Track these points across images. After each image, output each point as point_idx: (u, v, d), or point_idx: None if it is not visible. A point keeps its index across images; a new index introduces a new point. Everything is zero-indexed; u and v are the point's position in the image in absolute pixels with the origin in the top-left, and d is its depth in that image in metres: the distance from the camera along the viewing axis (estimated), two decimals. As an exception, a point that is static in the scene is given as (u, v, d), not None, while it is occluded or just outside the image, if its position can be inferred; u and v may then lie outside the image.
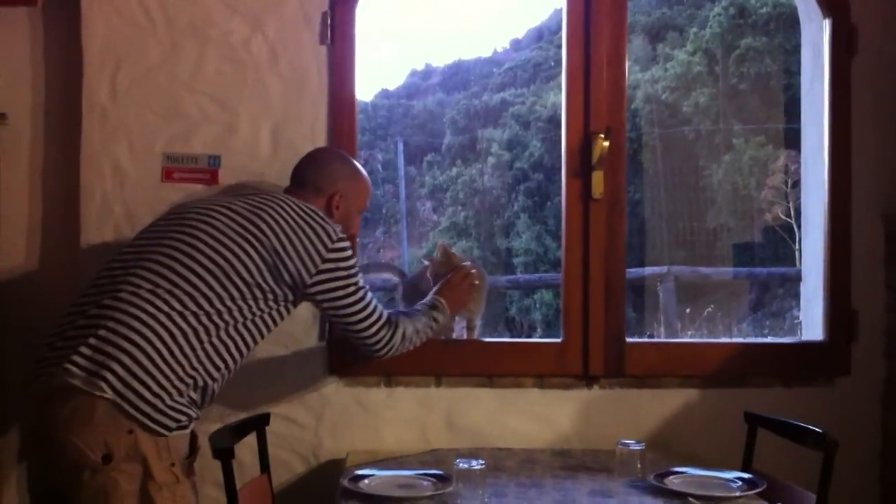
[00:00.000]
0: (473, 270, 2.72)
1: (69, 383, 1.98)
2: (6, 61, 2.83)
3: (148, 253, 2.18)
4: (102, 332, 2.02)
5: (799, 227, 8.41)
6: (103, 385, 1.96)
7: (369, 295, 2.39)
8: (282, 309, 2.29)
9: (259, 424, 2.62)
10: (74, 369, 1.98)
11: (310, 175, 2.48)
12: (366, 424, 2.86)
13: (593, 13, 2.91)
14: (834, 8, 2.97)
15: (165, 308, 2.08)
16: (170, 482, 2.04)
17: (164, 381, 2.03)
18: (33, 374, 2.10)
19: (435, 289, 2.65)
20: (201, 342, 2.11)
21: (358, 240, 2.82)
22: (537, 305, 10.78)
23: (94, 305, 2.10)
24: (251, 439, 2.59)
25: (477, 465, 2.16)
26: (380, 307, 2.41)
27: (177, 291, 2.10)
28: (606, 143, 2.84)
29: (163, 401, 2.02)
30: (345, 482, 2.25)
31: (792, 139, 10.23)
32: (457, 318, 2.85)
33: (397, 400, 2.87)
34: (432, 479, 2.27)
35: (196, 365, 2.10)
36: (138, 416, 1.99)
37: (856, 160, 2.96)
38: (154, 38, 2.79)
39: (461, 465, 2.16)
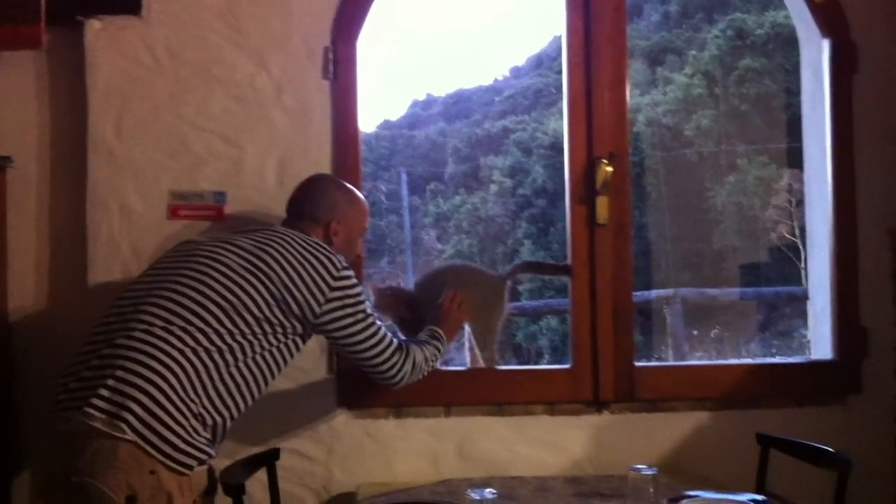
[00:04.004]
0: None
1: (90, 426, 1.96)
2: (12, 104, 2.85)
3: (157, 290, 2.18)
4: (120, 373, 2.01)
5: (804, 245, 8.40)
6: (124, 426, 1.95)
7: (378, 322, 2.39)
8: (290, 343, 2.29)
9: (269, 459, 2.62)
10: (94, 412, 1.97)
11: (305, 206, 2.50)
12: (376, 456, 2.85)
13: (593, 38, 2.93)
14: (833, 28, 2.99)
15: (179, 345, 2.07)
16: None
17: (181, 420, 2.02)
18: (52, 417, 2.09)
19: (430, 318, 2.65)
20: (212, 379, 2.11)
21: (364, 270, 2.83)
22: (543, 332, 10.76)
23: (108, 345, 2.09)
24: (262, 474, 2.58)
25: (489, 494, 2.14)
26: (389, 334, 2.41)
27: (190, 328, 2.10)
28: (610, 168, 2.85)
29: (182, 439, 2.01)
30: (358, 515, 2.24)
31: (794, 158, 10.25)
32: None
33: (407, 431, 2.86)
34: (445, 509, 2.26)
35: (206, 403, 2.09)
36: (159, 456, 1.98)
37: (859, 177, 2.97)
38: (159, 77, 2.81)
39: (473, 495, 2.14)
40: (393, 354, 2.40)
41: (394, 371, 2.41)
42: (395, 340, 2.43)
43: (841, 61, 2.98)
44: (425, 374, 2.51)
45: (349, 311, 2.31)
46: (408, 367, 2.43)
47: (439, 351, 2.56)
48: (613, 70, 2.94)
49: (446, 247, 12.51)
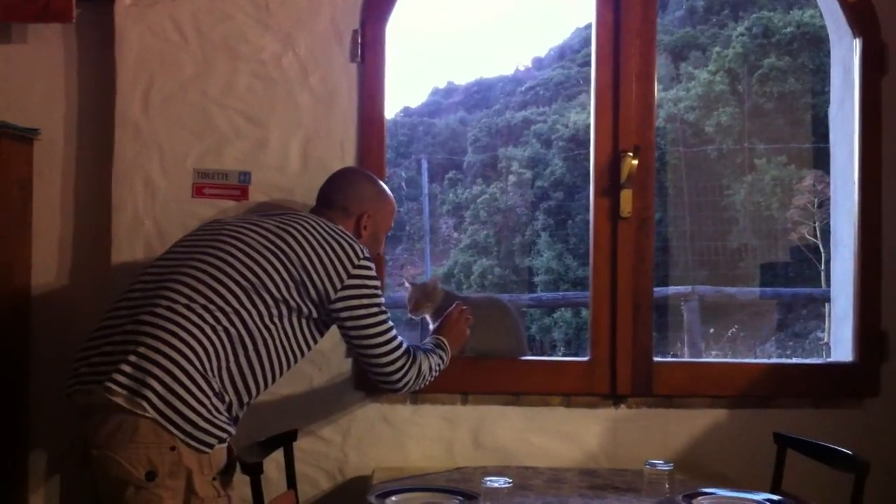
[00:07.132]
0: (465, 307, 2.70)
1: (111, 401, 1.97)
2: (40, 77, 2.87)
3: (181, 267, 2.18)
4: (142, 350, 2.01)
5: (825, 247, 8.34)
6: (145, 404, 1.95)
7: (391, 322, 2.36)
8: (306, 330, 2.27)
9: (286, 440, 2.63)
10: (116, 388, 1.97)
11: (338, 197, 2.49)
12: (392, 441, 2.85)
13: (622, 31, 2.91)
14: (864, 27, 2.96)
15: (200, 322, 2.07)
16: (212, 496, 2.04)
17: (202, 398, 2.02)
18: (69, 389, 2.10)
19: (435, 327, 2.65)
20: (228, 361, 2.11)
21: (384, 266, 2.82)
22: (558, 324, 10.74)
23: (131, 320, 2.09)
24: (278, 455, 2.60)
25: (504, 483, 2.15)
26: (400, 337, 2.38)
27: (210, 307, 2.10)
28: (635, 162, 2.84)
29: (203, 417, 2.01)
30: (371, 499, 2.24)
31: (816, 159, 10.20)
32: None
33: (423, 417, 2.87)
34: (459, 497, 2.26)
35: (225, 383, 2.10)
36: (180, 434, 1.98)
37: (886, 179, 2.94)
38: (186, 55, 2.81)
39: (488, 483, 2.15)
40: (400, 357, 2.36)
41: (399, 375, 2.36)
42: (405, 344, 2.39)
43: (871, 62, 2.96)
44: (428, 383, 2.47)
45: (365, 301, 2.29)
46: (413, 373, 2.38)
47: (443, 361, 2.53)
48: (641, 63, 2.92)
49: (463, 236, 12.50)
